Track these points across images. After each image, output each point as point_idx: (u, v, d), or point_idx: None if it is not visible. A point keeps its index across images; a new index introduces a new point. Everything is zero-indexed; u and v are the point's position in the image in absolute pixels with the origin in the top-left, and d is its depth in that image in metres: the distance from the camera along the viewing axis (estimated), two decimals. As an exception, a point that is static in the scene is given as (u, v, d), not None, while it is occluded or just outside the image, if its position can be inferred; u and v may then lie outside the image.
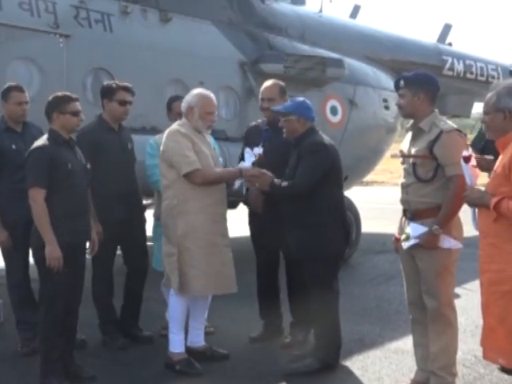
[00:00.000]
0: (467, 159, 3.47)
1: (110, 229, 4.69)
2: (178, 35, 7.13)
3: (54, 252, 3.90)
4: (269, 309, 5.10)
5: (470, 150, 3.78)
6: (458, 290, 5.50)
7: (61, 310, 4.04)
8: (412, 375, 4.07)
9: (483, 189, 3.45)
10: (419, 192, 3.76)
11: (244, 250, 5.60)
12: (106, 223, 4.67)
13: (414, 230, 3.75)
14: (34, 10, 6.09)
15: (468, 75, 11.34)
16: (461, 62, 11.20)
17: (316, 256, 4.32)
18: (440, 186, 3.71)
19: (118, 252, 5.12)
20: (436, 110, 3.86)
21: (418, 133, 3.83)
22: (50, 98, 4.16)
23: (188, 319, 4.60)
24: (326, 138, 4.46)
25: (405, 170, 3.87)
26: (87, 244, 4.33)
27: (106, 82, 5.33)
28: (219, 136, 6.24)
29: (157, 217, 5.09)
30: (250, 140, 5.03)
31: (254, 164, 4.43)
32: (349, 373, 4.39)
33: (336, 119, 8.40)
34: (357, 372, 4.40)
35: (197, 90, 4.56)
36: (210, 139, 4.68)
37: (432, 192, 3.73)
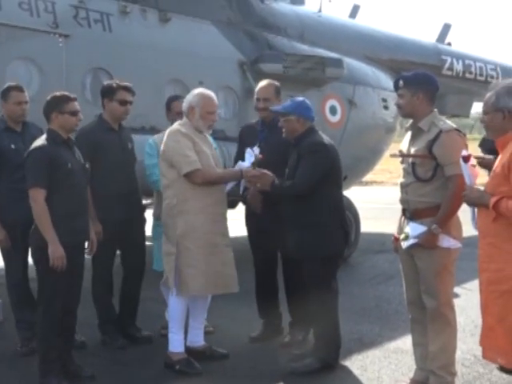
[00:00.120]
0: (466, 159, 3.47)
1: (109, 229, 4.69)
2: (178, 35, 7.13)
3: (56, 251, 3.90)
4: (267, 308, 5.10)
5: (479, 150, 3.79)
6: (457, 290, 5.51)
7: (59, 309, 4.04)
8: (411, 374, 4.07)
9: (482, 188, 3.45)
10: (418, 191, 3.77)
11: (242, 249, 5.60)
12: (105, 223, 4.67)
13: (414, 229, 3.75)
14: (33, 9, 6.09)
15: (467, 75, 11.34)
16: (460, 61, 11.21)
17: (316, 256, 4.32)
18: (439, 186, 3.72)
19: (118, 252, 5.12)
20: (435, 110, 3.86)
21: (417, 132, 3.84)
22: (49, 97, 4.16)
23: (188, 319, 4.60)
24: (326, 138, 4.47)
25: (404, 169, 3.88)
26: (86, 244, 4.33)
27: (106, 82, 5.33)
28: (218, 136, 6.25)
29: (156, 216, 5.09)
30: (244, 140, 5.04)
31: (253, 164, 4.43)
32: (348, 372, 4.40)
33: (335, 119, 8.40)
34: (356, 371, 4.40)
35: (198, 90, 4.56)
36: (210, 139, 4.68)
37: (431, 191, 3.73)
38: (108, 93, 4.94)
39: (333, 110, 8.37)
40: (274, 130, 4.77)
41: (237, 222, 5.55)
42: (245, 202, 5.07)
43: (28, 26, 6.02)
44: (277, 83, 5.08)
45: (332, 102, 8.38)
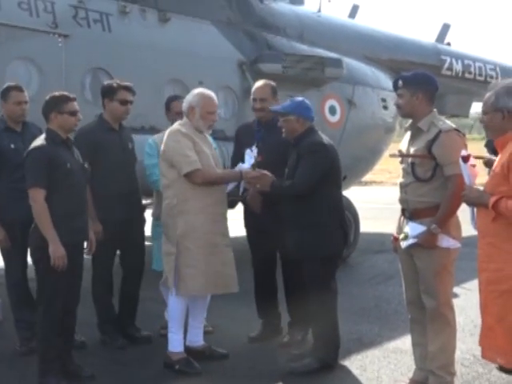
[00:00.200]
0: (466, 159, 3.48)
1: (110, 229, 4.69)
2: (177, 35, 7.13)
3: (58, 251, 3.90)
4: (267, 308, 5.11)
5: (485, 150, 3.79)
6: (456, 290, 5.50)
7: (59, 309, 4.04)
8: (410, 374, 4.07)
9: (482, 188, 3.45)
10: (418, 191, 3.77)
11: (242, 249, 5.60)
12: (106, 223, 4.68)
13: (413, 229, 3.75)
14: (32, 9, 6.09)
15: (466, 75, 11.34)
16: (459, 61, 11.21)
17: (316, 256, 4.32)
18: (439, 186, 3.72)
19: (118, 252, 5.12)
20: (435, 110, 3.87)
21: (416, 132, 3.84)
22: (48, 97, 4.15)
23: (187, 318, 4.60)
24: (326, 138, 4.47)
25: (403, 169, 3.88)
26: (85, 244, 4.33)
27: (106, 82, 5.33)
28: (218, 136, 6.25)
29: (155, 216, 5.09)
30: (241, 140, 5.04)
31: (253, 166, 4.43)
32: (347, 372, 4.40)
33: (335, 119, 8.40)
34: (355, 371, 4.40)
35: (198, 90, 4.56)
36: (210, 139, 4.68)
37: (431, 191, 3.73)
38: (108, 92, 4.94)
39: (332, 110, 8.37)
40: (271, 130, 4.76)
41: (237, 222, 5.55)
42: (244, 203, 5.07)
43: (27, 26, 6.02)
44: (273, 83, 5.08)
45: (331, 102, 8.38)
